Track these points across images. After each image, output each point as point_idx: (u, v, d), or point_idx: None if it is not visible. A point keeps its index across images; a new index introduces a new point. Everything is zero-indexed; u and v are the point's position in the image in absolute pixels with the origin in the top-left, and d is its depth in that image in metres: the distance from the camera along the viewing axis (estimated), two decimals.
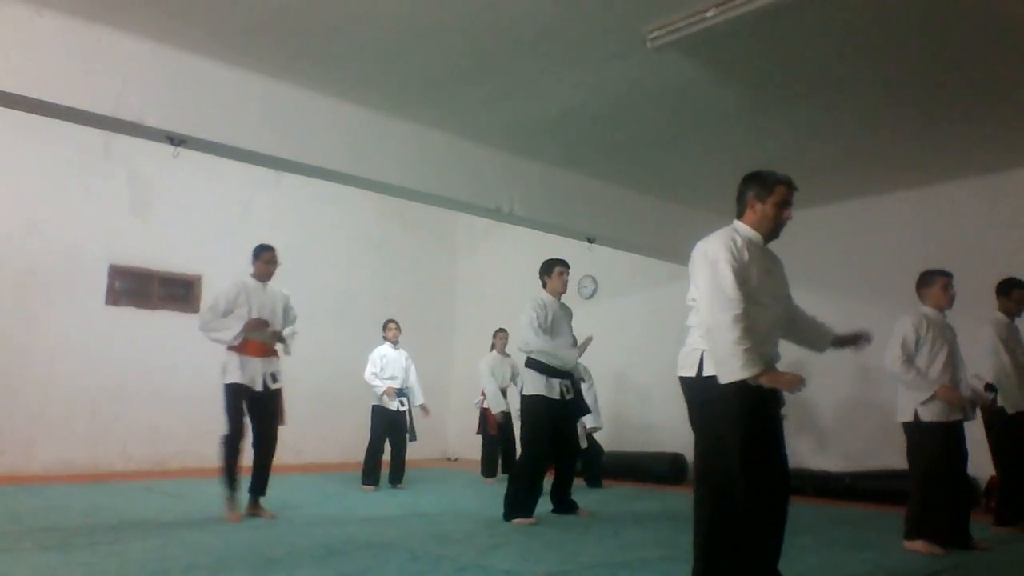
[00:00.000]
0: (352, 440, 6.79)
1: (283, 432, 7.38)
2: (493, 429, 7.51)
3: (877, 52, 4.53)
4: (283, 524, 4.69)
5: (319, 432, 8.78)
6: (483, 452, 7.81)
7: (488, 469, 7.68)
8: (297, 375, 7.93)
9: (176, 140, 4.79)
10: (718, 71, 4.82)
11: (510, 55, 4.69)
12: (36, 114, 4.56)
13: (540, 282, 5.32)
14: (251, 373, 4.84)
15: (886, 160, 6.39)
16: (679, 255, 8.00)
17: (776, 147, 6.17)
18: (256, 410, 4.90)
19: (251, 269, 5.07)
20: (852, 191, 7.22)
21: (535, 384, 5.05)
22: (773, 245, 2.96)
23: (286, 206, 9.16)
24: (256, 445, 4.95)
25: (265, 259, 5.05)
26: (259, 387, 4.86)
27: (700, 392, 2.61)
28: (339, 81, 5.15)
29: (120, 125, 4.65)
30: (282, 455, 6.87)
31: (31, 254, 7.35)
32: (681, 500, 6.31)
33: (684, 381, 2.68)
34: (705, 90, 5.08)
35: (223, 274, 8.30)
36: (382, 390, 6.73)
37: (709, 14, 4.00)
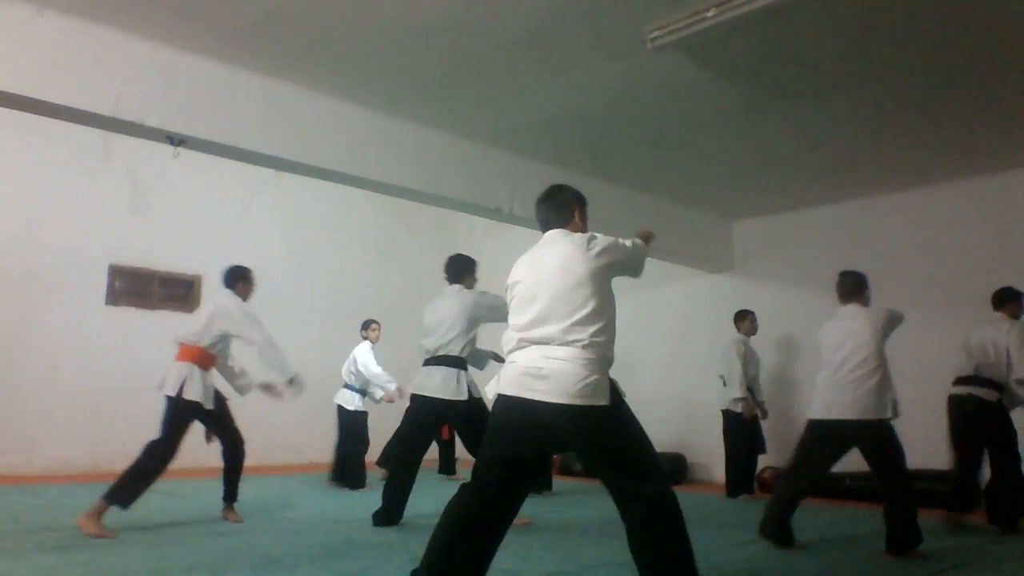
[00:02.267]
0: None
1: (284, 432, 7.42)
2: (444, 433, 7.59)
3: (877, 53, 4.52)
4: (283, 524, 4.69)
5: (319, 432, 8.75)
6: (440, 450, 8.00)
7: (447, 466, 7.87)
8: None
9: (176, 140, 4.79)
10: (718, 71, 4.82)
11: (511, 55, 4.69)
12: (36, 114, 4.56)
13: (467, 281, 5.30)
14: (208, 390, 4.60)
15: (885, 160, 6.39)
16: (679, 255, 8.03)
17: (776, 147, 6.18)
18: (216, 423, 4.71)
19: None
20: (852, 191, 7.23)
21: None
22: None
23: (286, 206, 9.17)
24: (230, 452, 4.78)
25: (249, 278, 4.91)
26: (211, 404, 4.60)
27: (603, 416, 2.49)
28: (339, 81, 5.15)
29: (120, 125, 4.65)
30: (283, 455, 6.92)
31: (31, 254, 7.35)
32: (681, 500, 6.29)
33: (593, 410, 2.48)
34: (705, 90, 5.08)
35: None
36: (394, 386, 6.76)
37: (709, 14, 4.00)
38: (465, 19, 4.27)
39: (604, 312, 2.60)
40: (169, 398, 4.47)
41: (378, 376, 6.80)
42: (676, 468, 7.63)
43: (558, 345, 2.53)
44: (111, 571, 3.28)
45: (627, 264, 2.79)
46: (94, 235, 7.69)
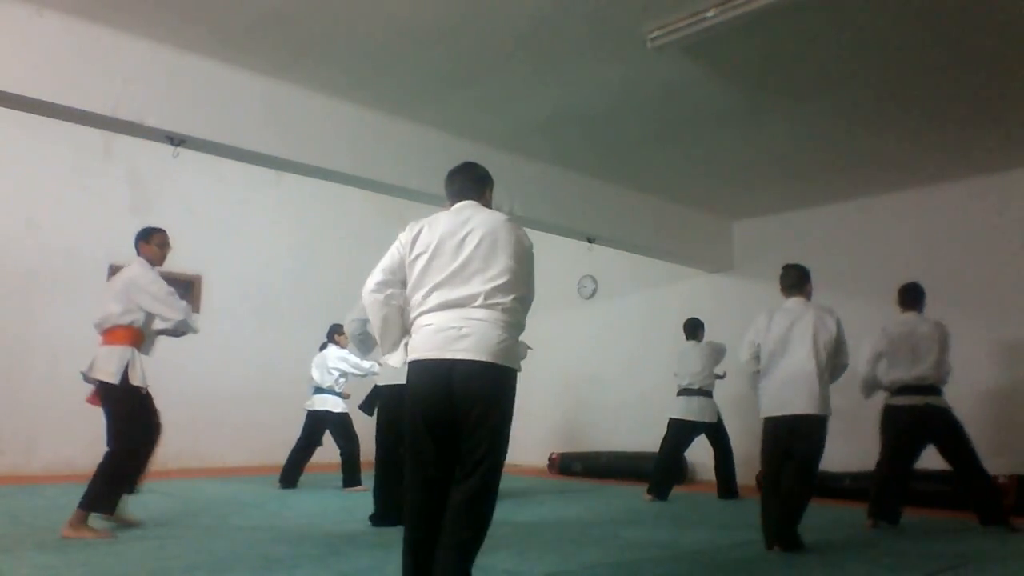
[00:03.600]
0: None
1: (285, 432, 7.40)
2: None
3: (876, 53, 4.53)
4: (283, 524, 4.68)
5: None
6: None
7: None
8: (297, 374, 7.94)
9: (176, 140, 4.80)
10: (718, 71, 4.82)
11: (510, 56, 4.69)
12: (36, 114, 4.56)
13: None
14: (145, 374, 4.37)
15: (885, 160, 6.40)
16: (679, 255, 8.03)
17: (776, 147, 6.18)
18: (145, 411, 4.41)
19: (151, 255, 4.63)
20: (852, 191, 7.23)
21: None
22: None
23: (286, 206, 9.17)
24: (146, 444, 4.51)
25: (158, 241, 4.66)
26: (146, 389, 4.35)
27: (511, 382, 2.56)
28: (339, 81, 5.15)
29: (120, 125, 4.66)
30: (282, 455, 6.92)
31: (31, 254, 7.35)
32: (681, 500, 6.32)
33: (508, 371, 2.54)
34: (705, 90, 5.08)
35: (223, 274, 8.32)
36: (378, 365, 6.84)
37: (709, 14, 4.01)
38: (465, 19, 4.27)
39: (522, 285, 2.62)
40: (111, 386, 4.18)
41: (369, 367, 6.85)
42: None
43: (478, 307, 2.52)
44: (111, 571, 3.27)
45: (529, 284, 2.71)
46: (94, 235, 7.68)
